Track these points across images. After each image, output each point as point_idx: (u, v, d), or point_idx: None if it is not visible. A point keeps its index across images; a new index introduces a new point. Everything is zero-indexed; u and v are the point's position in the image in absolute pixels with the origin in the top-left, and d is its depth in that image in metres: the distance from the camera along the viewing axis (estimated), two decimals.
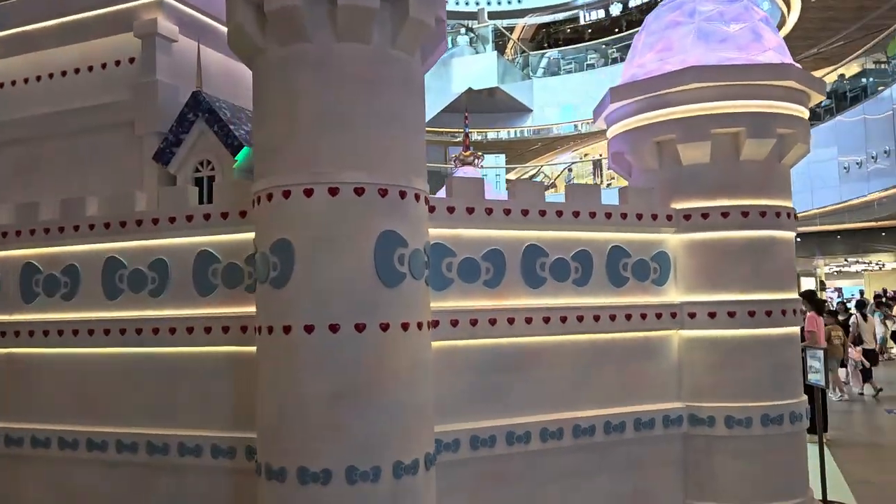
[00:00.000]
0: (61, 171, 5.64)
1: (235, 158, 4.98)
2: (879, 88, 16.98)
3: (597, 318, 5.02)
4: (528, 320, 4.80)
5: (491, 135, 27.87)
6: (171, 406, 4.73)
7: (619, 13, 30.86)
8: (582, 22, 31.33)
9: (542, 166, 31.74)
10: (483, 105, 25.69)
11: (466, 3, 28.80)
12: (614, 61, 29.95)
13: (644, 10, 30.55)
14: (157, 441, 4.69)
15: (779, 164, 5.41)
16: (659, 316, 5.24)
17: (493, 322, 4.70)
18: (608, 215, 5.13)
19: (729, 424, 5.11)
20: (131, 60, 5.56)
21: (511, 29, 31.44)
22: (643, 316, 5.18)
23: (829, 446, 8.58)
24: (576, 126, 28.72)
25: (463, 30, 26.44)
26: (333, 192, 3.82)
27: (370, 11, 3.82)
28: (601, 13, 31.01)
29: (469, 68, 24.68)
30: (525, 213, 4.86)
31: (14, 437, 5.12)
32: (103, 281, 4.98)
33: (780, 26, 22.34)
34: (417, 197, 4.08)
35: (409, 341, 3.96)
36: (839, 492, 6.92)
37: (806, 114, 5.50)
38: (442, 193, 4.97)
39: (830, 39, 21.70)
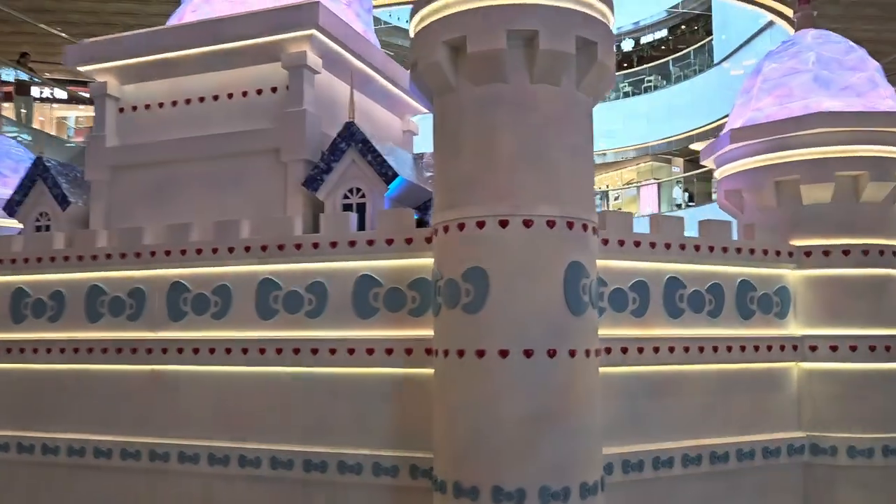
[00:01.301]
0: (200, 194, 5.80)
1: (388, 187, 5.19)
2: None
3: (729, 349, 5.26)
4: (671, 349, 5.03)
5: None
6: (329, 424, 4.89)
7: (630, 49, 31.64)
8: None
9: None
10: None
11: None
12: (626, 95, 30.72)
13: (655, 46, 31.44)
14: (315, 458, 4.84)
15: (893, 205, 5.69)
16: (782, 348, 5.47)
17: (640, 350, 4.93)
18: (738, 250, 5.38)
19: (851, 455, 5.32)
20: (273, 90, 5.77)
21: None
22: (769, 348, 5.42)
23: None
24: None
25: None
26: (528, 223, 4.04)
27: (567, 56, 4.07)
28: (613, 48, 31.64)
29: None
30: (668, 246, 5.11)
31: (159, 452, 5.24)
32: (257, 301, 5.15)
33: None
34: (594, 230, 4.31)
35: (589, 367, 4.17)
36: None
37: None
38: None
39: None
